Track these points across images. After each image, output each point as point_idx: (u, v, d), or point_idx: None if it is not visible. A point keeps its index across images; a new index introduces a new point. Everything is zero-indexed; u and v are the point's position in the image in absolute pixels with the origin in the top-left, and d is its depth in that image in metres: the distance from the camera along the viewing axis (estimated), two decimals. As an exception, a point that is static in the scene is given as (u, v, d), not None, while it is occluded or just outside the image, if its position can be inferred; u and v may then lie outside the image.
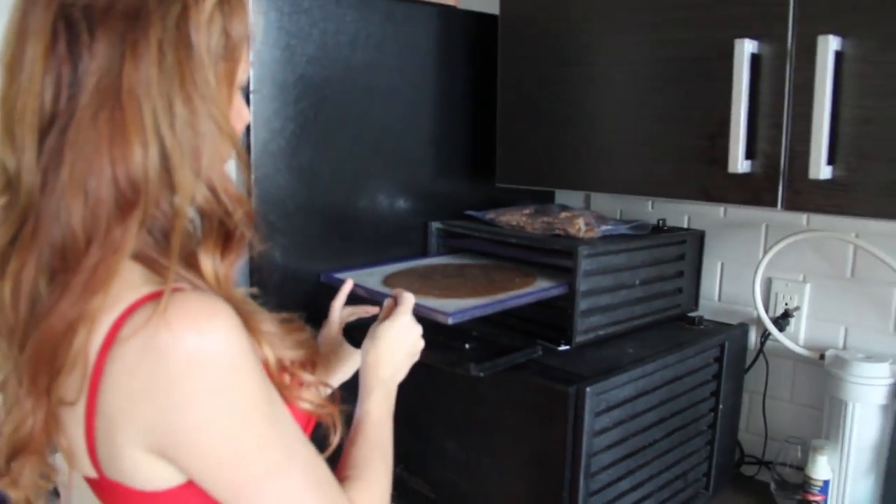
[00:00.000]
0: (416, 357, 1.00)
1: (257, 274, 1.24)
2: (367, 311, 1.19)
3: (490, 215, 1.44)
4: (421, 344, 1.00)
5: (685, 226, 1.58)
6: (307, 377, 0.80)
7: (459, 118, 1.51)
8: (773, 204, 1.08)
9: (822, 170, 1.00)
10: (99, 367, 0.63)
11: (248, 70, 0.76)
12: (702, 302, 1.56)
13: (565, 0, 1.30)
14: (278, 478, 0.69)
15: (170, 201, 0.67)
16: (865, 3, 0.96)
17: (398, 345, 0.97)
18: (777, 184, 1.07)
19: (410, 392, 1.00)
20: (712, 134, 1.11)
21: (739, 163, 1.08)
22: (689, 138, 1.15)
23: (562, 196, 1.74)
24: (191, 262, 0.69)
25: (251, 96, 1.21)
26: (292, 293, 1.30)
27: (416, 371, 1.00)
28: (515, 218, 1.40)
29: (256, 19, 1.19)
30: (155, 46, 0.63)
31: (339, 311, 1.17)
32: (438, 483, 1.32)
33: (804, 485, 1.32)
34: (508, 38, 1.40)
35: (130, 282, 0.65)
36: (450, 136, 1.50)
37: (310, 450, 0.74)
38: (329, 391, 0.90)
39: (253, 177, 1.23)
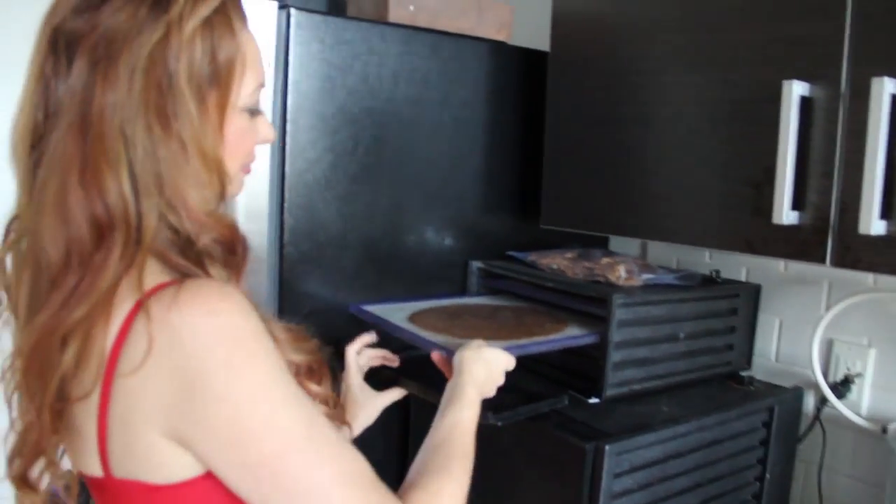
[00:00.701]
0: (492, 390, 1.01)
1: (287, 302, 1.24)
2: (393, 361, 1.18)
3: (532, 257, 1.39)
4: (501, 381, 1.02)
5: (742, 279, 1.49)
6: (314, 387, 0.82)
7: (508, 156, 1.47)
8: (820, 260, 0.99)
9: (874, 224, 0.91)
10: (114, 356, 0.64)
11: (254, 90, 0.76)
12: (757, 361, 1.46)
13: (616, 39, 1.26)
14: (294, 461, 0.66)
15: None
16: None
17: (496, 366, 1.00)
18: (826, 238, 0.98)
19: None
20: (758, 182, 1.04)
21: (785, 214, 1.00)
22: (735, 185, 1.08)
23: (617, 243, 1.67)
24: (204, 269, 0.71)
25: (287, 126, 1.21)
26: (322, 324, 1.27)
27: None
28: (557, 261, 1.34)
29: (296, 51, 1.20)
30: (125, 73, 0.64)
31: (356, 357, 1.15)
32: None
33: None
34: (557, 75, 1.36)
35: (145, 275, 0.66)
36: (497, 174, 1.47)
37: (343, 443, 0.70)
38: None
39: (286, 205, 1.22)
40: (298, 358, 0.78)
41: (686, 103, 1.15)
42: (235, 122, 0.73)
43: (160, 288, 0.65)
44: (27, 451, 0.71)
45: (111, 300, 0.65)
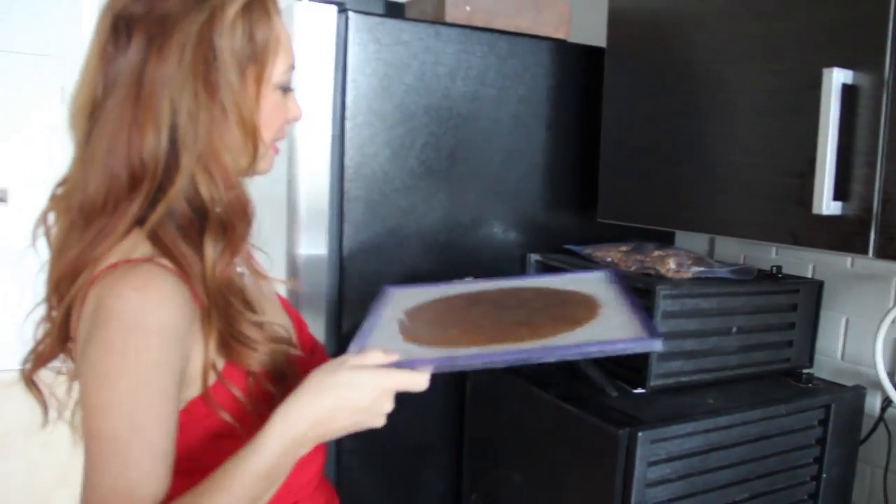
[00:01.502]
0: (362, 423, 0.79)
1: (347, 289, 1.31)
2: None
3: (588, 250, 1.41)
4: (379, 411, 0.79)
5: (808, 275, 1.46)
6: (268, 386, 0.85)
7: (566, 151, 1.50)
8: (864, 251, 0.97)
9: (915, 214, 0.90)
10: (82, 301, 0.78)
11: (287, 71, 0.86)
12: (822, 359, 1.43)
13: (669, 33, 1.26)
14: (100, 457, 0.72)
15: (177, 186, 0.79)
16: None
17: (360, 392, 0.77)
18: (869, 229, 0.97)
19: (490, 420, 0.99)
20: (802, 172, 1.03)
21: (826, 204, 0.99)
22: (780, 176, 1.07)
23: (684, 239, 1.66)
24: (199, 248, 0.80)
25: (346, 122, 1.28)
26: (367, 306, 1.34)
27: (498, 401, 0.99)
28: (612, 254, 1.36)
29: (354, 51, 1.26)
30: (176, 48, 0.76)
31: None
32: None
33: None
34: (614, 71, 1.38)
35: (127, 249, 0.78)
36: (556, 169, 1.50)
37: (144, 464, 0.72)
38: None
39: (345, 197, 1.29)
40: (260, 358, 0.83)
41: (735, 95, 1.15)
42: (269, 97, 0.84)
43: (123, 263, 0.77)
44: (38, 358, 0.85)
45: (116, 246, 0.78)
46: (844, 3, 0.99)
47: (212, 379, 0.81)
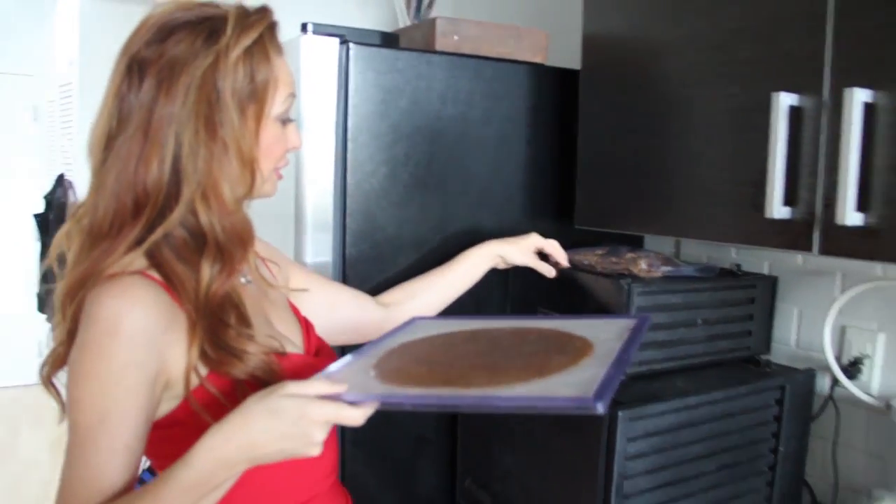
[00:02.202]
0: (292, 450, 0.80)
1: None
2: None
3: (568, 254, 1.55)
4: (309, 441, 0.80)
5: (765, 272, 1.62)
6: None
7: (546, 165, 1.64)
8: (808, 248, 1.13)
9: (850, 216, 1.05)
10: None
11: (286, 102, 0.97)
12: (779, 347, 1.59)
13: (638, 57, 1.42)
14: (74, 444, 0.84)
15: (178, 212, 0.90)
16: (890, 55, 1.02)
17: (289, 418, 0.79)
18: (812, 230, 1.12)
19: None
20: (756, 181, 1.18)
21: (776, 209, 1.14)
22: (737, 186, 1.23)
23: (652, 242, 1.82)
24: (195, 268, 0.91)
25: (349, 143, 1.41)
26: None
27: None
28: (588, 258, 1.50)
29: (355, 79, 1.40)
30: (182, 89, 0.87)
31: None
32: (497, 494, 1.44)
33: (866, 535, 1.32)
34: (588, 91, 1.53)
35: (125, 263, 0.89)
36: (537, 181, 1.64)
37: (107, 456, 0.83)
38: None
39: (347, 211, 1.42)
40: (245, 368, 0.91)
41: (697, 114, 1.30)
42: (269, 130, 0.95)
43: (116, 275, 0.87)
44: (54, 361, 0.94)
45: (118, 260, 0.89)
46: (789, 36, 1.15)
47: (194, 383, 0.89)
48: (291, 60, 1.12)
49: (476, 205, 1.56)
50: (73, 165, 3.82)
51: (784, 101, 1.13)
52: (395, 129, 1.45)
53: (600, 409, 0.73)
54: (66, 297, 0.91)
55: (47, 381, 0.96)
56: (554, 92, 1.62)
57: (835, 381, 1.47)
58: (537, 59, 1.62)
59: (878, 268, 1.42)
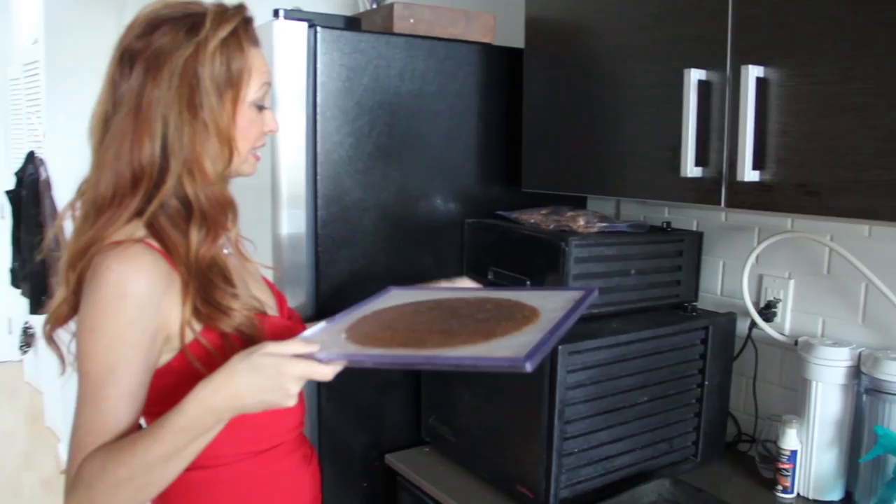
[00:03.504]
0: (271, 401, 0.92)
1: (321, 251, 1.59)
2: None
3: (515, 214, 1.72)
4: (286, 393, 0.91)
5: (693, 228, 1.81)
6: (238, 347, 1.00)
7: (495, 134, 1.81)
8: (718, 202, 1.31)
9: (748, 174, 1.24)
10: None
11: (262, 92, 1.10)
12: (706, 295, 1.79)
13: (574, 36, 1.58)
14: (86, 392, 0.97)
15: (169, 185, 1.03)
16: (778, 37, 1.20)
17: (269, 373, 0.91)
18: (720, 186, 1.31)
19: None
20: (673, 146, 1.36)
21: (690, 169, 1.32)
22: (659, 150, 1.41)
23: (594, 204, 2.00)
24: (187, 234, 1.04)
25: (318, 117, 1.56)
26: (350, 261, 1.64)
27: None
28: (534, 217, 1.68)
29: (322, 59, 1.55)
30: (167, 76, 1.01)
31: None
32: (458, 429, 1.62)
33: (776, 454, 1.52)
34: (530, 67, 1.70)
35: (128, 232, 1.02)
36: (487, 150, 1.81)
37: (113, 404, 0.95)
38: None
39: (318, 178, 1.58)
40: (231, 322, 1.04)
41: (626, 87, 1.48)
42: (245, 114, 1.08)
43: (119, 242, 0.99)
44: (56, 319, 1.06)
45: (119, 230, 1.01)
46: (699, 19, 1.32)
47: (189, 337, 1.02)
48: (265, 43, 1.26)
49: (433, 171, 1.73)
50: (42, 142, 3.90)
51: (694, 76, 1.30)
52: (359, 104, 1.61)
53: (528, 367, 0.84)
54: (71, 263, 1.03)
55: (49, 337, 1.08)
56: (501, 69, 1.78)
57: (753, 324, 1.67)
58: (486, 39, 1.78)
59: (787, 222, 1.62)
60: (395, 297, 1.23)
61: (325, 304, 1.61)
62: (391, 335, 1.02)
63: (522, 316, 1.04)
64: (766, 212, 1.26)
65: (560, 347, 1.34)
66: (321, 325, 1.08)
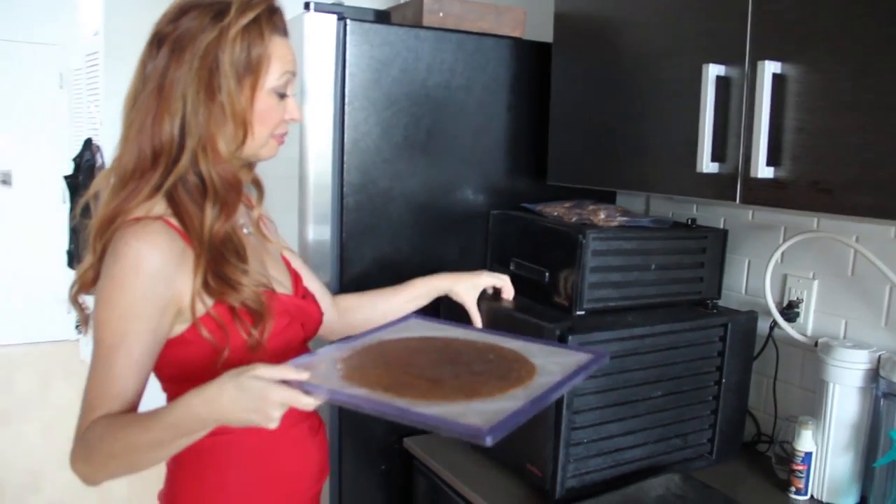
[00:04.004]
0: (253, 421, 0.95)
1: (346, 236, 1.64)
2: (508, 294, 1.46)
3: (539, 207, 1.74)
4: (268, 416, 0.94)
5: (720, 226, 1.81)
6: (242, 327, 1.09)
7: (523, 128, 1.83)
8: (733, 199, 1.32)
9: (762, 170, 1.24)
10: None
11: (283, 80, 1.13)
12: (731, 294, 1.78)
13: (602, 30, 1.60)
14: (98, 357, 1.03)
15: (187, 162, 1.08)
16: (796, 34, 1.19)
17: (252, 396, 0.93)
18: (736, 182, 1.31)
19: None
20: (692, 141, 1.37)
21: (706, 164, 1.33)
22: (678, 145, 1.41)
23: (624, 199, 2.01)
24: (203, 209, 1.09)
25: (346, 107, 1.61)
26: (373, 247, 1.68)
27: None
28: (557, 210, 1.70)
29: (351, 51, 1.59)
30: (189, 58, 1.06)
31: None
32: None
33: (791, 455, 1.51)
34: (559, 61, 1.71)
35: (149, 207, 1.08)
36: (515, 143, 1.83)
37: (121, 372, 1.02)
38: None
39: (345, 167, 1.62)
40: (240, 297, 1.08)
41: (649, 82, 1.49)
42: (264, 100, 1.12)
43: (140, 219, 1.05)
44: (82, 284, 1.12)
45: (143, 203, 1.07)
46: (719, 14, 1.32)
47: (200, 310, 1.07)
48: (295, 35, 1.31)
49: (459, 162, 1.76)
50: (99, 130, 4.05)
51: (712, 71, 1.31)
52: (387, 96, 1.65)
53: (488, 442, 0.84)
54: (98, 231, 1.09)
55: (74, 300, 1.14)
56: (530, 63, 1.81)
57: (774, 324, 1.66)
58: (515, 34, 1.80)
59: (813, 221, 1.61)
60: (411, 328, 1.25)
61: (349, 290, 1.66)
62: (381, 375, 1.03)
63: (517, 376, 1.03)
64: (779, 209, 1.26)
65: (570, 338, 1.36)
66: (326, 349, 1.12)
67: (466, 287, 1.45)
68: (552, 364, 1.07)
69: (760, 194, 1.28)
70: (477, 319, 1.44)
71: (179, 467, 1.19)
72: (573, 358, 1.10)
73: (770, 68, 1.22)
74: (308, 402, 0.94)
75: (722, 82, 1.32)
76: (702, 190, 1.38)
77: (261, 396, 0.93)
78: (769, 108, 1.23)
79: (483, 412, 0.90)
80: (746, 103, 1.28)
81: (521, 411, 0.91)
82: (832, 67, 1.15)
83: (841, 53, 1.14)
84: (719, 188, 1.34)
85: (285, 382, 0.94)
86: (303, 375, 0.95)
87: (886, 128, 1.09)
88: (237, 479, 1.18)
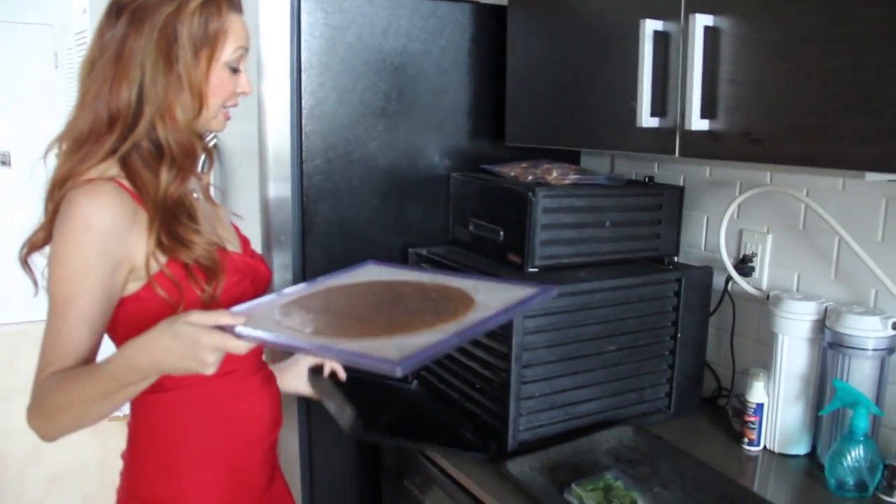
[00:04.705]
0: (189, 367, 0.97)
1: (307, 200, 1.67)
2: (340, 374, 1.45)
3: (497, 168, 1.76)
4: (203, 362, 0.97)
5: (680, 183, 1.82)
6: (196, 284, 1.13)
7: (482, 91, 1.84)
8: (673, 152, 1.33)
9: (696, 123, 1.26)
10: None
11: (237, 55, 1.16)
12: (690, 251, 1.80)
13: (552, -7, 1.61)
14: (51, 313, 1.06)
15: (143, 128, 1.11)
16: (726, -12, 1.21)
17: (187, 341, 0.96)
18: (675, 135, 1.33)
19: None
20: (633, 96, 1.38)
21: (646, 119, 1.34)
22: (621, 101, 1.42)
23: (589, 159, 2.03)
24: (157, 175, 1.13)
25: (302, 74, 1.63)
26: (332, 210, 1.71)
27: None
28: (514, 170, 1.71)
29: (306, 18, 1.61)
30: (148, 29, 1.09)
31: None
32: (421, 378, 1.68)
33: (744, 407, 1.54)
34: (514, 24, 1.73)
35: (102, 170, 1.11)
36: (475, 105, 1.85)
37: (72, 327, 1.05)
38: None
39: (304, 131, 1.65)
40: (192, 255, 1.12)
41: (594, 40, 1.50)
42: (218, 73, 1.15)
43: (92, 179, 1.08)
44: (32, 245, 1.15)
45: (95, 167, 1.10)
46: (655, -31, 1.33)
47: (154, 268, 1.10)
48: (251, 6, 1.33)
49: (419, 126, 1.78)
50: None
51: (649, 26, 1.32)
52: (343, 62, 1.67)
53: (398, 372, 0.85)
54: (50, 193, 1.13)
55: (24, 261, 1.16)
56: (488, 26, 1.81)
57: (730, 278, 1.68)
58: (472, -3, 1.82)
59: (766, 176, 1.62)
60: (364, 274, 1.27)
61: (312, 253, 1.69)
62: (316, 318, 1.06)
63: (452, 311, 1.03)
64: (714, 160, 1.28)
65: (516, 293, 1.39)
66: (271, 295, 1.15)
67: (293, 375, 1.46)
68: (494, 299, 1.07)
69: (696, 147, 1.29)
70: (311, 393, 1.45)
71: (138, 423, 1.23)
72: (519, 293, 1.10)
73: (702, 21, 1.23)
74: (239, 345, 0.96)
75: (660, 37, 1.33)
76: (643, 144, 1.39)
77: (193, 342, 0.95)
78: (702, 60, 1.24)
79: (401, 346, 0.91)
80: (682, 57, 1.29)
81: (440, 343, 0.92)
82: (760, 18, 1.16)
83: (769, 4, 1.15)
84: (659, 142, 1.36)
85: (220, 328, 0.96)
86: (238, 320, 0.97)
87: (811, 77, 1.10)
88: (194, 431, 1.22)
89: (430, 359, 0.91)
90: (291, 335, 0.99)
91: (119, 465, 1.27)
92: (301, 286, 1.20)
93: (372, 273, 1.27)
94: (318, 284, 1.21)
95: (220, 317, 0.97)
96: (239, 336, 0.96)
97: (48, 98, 5.39)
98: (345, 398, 1.33)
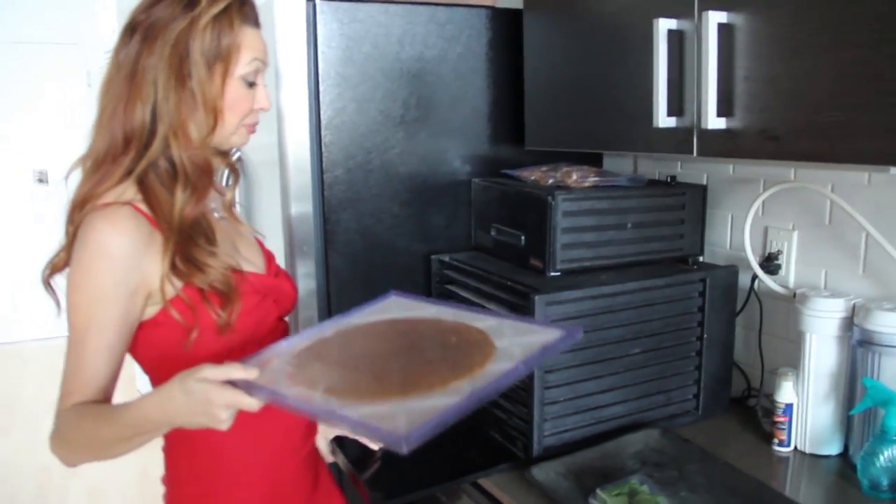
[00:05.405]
0: (202, 423, 0.97)
1: (327, 209, 1.68)
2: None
3: (518, 172, 1.76)
4: (216, 419, 0.95)
5: (703, 183, 1.80)
6: (211, 308, 1.11)
7: (501, 95, 1.85)
8: (690, 152, 1.32)
9: (713, 121, 1.24)
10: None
11: (252, 68, 1.15)
12: (715, 250, 1.78)
13: (567, -5, 1.61)
14: (71, 341, 1.07)
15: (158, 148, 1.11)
16: (738, -16, 1.19)
17: (199, 399, 0.94)
18: (692, 135, 1.31)
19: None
20: (649, 96, 1.37)
21: (662, 119, 1.33)
22: (635, 101, 1.41)
23: (612, 161, 2.02)
24: (173, 193, 1.12)
25: (320, 85, 1.64)
26: (353, 220, 1.73)
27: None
28: (535, 174, 1.71)
29: (322, 30, 1.62)
30: (160, 45, 1.09)
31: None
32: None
33: (773, 407, 1.52)
34: (530, 27, 1.72)
35: (119, 192, 1.10)
36: (494, 110, 1.85)
37: (90, 355, 1.05)
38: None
39: (323, 142, 1.67)
40: (207, 279, 1.11)
41: (609, 41, 1.49)
42: (234, 88, 1.14)
43: (110, 204, 1.07)
44: (54, 266, 1.15)
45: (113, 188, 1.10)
46: (667, -32, 1.32)
47: (170, 293, 1.09)
48: (266, 19, 1.34)
49: (438, 133, 1.78)
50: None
51: (663, 25, 1.31)
52: (361, 72, 1.68)
53: (404, 450, 0.79)
54: (70, 216, 1.13)
55: (46, 282, 1.16)
56: (505, 30, 1.82)
57: (755, 277, 1.65)
58: (487, 2, 1.82)
59: (791, 172, 1.60)
60: (388, 308, 1.23)
61: (334, 262, 1.71)
62: (329, 371, 1.03)
63: (469, 363, 0.98)
64: (732, 159, 1.27)
65: (536, 298, 1.38)
66: (288, 339, 1.12)
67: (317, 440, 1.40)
68: (516, 346, 1.02)
69: (714, 146, 1.28)
70: (329, 457, 1.41)
71: (171, 448, 1.26)
72: (542, 336, 1.04)
73: (715, 18, 1.22)
74: (251, 403, 0.94)
75: (674, 36, 1.32)
76: (660, 145, 1.38)
77: (206, 400, 0.93)
78: (716, 58, 1.23)
79: (412, 411, 0.86)
80: (697, 56, 1.28)
81: (453, 409, 0.86)
82: (773, 14, 1.15)
83: (781, -1, 1.14)
84: (676, 142, 1.35)
85: (232, 382, 0.94)
86: (251, 374, 0.95)
87: (825, 72, 1.08)
88: (226, 451, 1.23)
89: (441, 427, 0.84)
90: (302, 394, 0.95)
91: (159, 472, 1.29)
92: (322, 326, 1.17)
93: (394, 308, 1.23)
94: (338, 322, 1.18)
95: (232, 371, 0.95)
96: (251, 393, 0.94)
97: (82, 116, 5.50)
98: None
